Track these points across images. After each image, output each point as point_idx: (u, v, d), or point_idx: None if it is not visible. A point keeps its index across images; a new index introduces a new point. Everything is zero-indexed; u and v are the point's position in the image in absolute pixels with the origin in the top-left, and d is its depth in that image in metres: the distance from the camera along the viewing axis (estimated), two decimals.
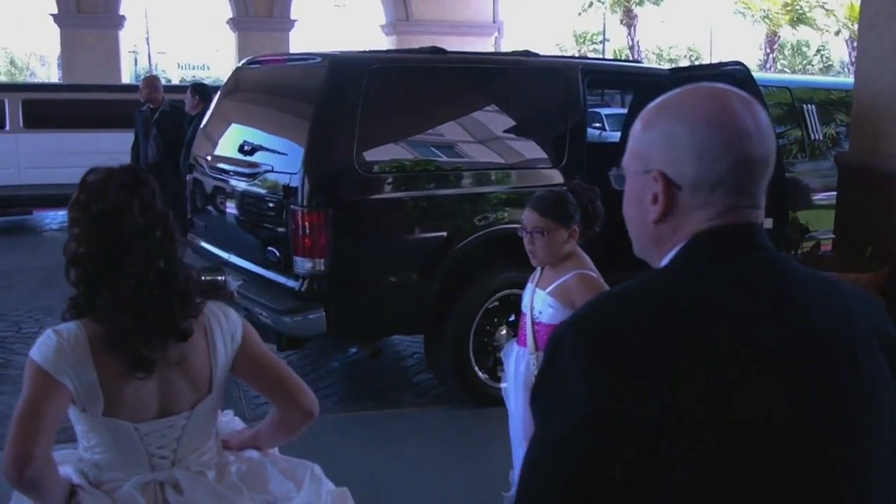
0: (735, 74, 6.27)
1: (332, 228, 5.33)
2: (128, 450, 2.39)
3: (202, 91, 9.68)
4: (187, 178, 7.25)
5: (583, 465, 1.24)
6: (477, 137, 6.03)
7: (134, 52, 54.02)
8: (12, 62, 58.38)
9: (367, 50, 7.72)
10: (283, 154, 5.72)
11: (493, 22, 26.84)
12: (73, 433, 2.45)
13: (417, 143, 5.85)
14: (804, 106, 8.58)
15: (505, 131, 6.18)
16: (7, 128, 13.55)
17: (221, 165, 6.44)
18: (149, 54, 55.43)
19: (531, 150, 6.21)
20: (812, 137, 8.50)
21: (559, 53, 34.54)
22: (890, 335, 1.43)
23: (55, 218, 14.47)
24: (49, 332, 2.30)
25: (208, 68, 62.58)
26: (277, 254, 5.64)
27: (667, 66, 27.85)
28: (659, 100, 1.46)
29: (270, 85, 6.80)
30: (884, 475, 1.35)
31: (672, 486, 1.22)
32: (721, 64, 6.91)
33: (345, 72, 5.70)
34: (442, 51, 6.37)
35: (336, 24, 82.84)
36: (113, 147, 12.33)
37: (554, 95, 6.34)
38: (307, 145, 5.44)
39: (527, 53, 7.12)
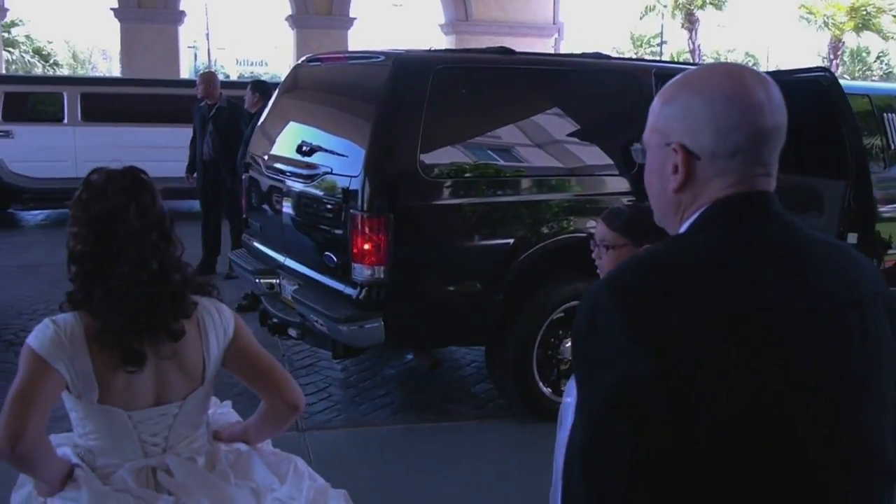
0: (821, 81, 5.95)
1: (392, 235, 5.12)
2: (121, 436, 2.50)
3: (262, 88, 9.52)
4: (244, 176, 7.08)
5: (627, 419, 1.32)
6: (545, 142, 5.77)
7: (193, 47, 54.66)
8: (74, 56, 59.04)
9: (431, 49, 7.48)
10: (344, 156, 5.51)
11: (553, 23, 26.61)
12: (70, 423, 2.58)
13: (483, 147, 5.61)
14: (885, 115, 8.22)
15: (574, 136, 5.90)
16: (66, 120, 13.66)
17: (278, 165, 6.25)
18: (208, 50, 56.07)
19: (601, 156, 5.91)
20: (894, 147, 8.14)
21: (622, 56, 34.14)
22: (893, 297, 1.51)
23: None
24: (47, 321, 2.41)
25: (266, 64, 63.40)
26: (335, 259, 5.43)
27: None
28: (677, 77, 1.54)
29: (331, 83, 6.58)
30: (888, 431, 1.45)
31: (704, 437, 1.30)
32: (805, 69, 6.59)
33: (409, 71, 5.46)
34: (510, 51, 6.10)
35: (394, 23, 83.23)
36: (169, 142, 12.42)
37: (626, 100, 6.04)
38: (369, 147, 5.22)
39: (597, 55, 6.83)
